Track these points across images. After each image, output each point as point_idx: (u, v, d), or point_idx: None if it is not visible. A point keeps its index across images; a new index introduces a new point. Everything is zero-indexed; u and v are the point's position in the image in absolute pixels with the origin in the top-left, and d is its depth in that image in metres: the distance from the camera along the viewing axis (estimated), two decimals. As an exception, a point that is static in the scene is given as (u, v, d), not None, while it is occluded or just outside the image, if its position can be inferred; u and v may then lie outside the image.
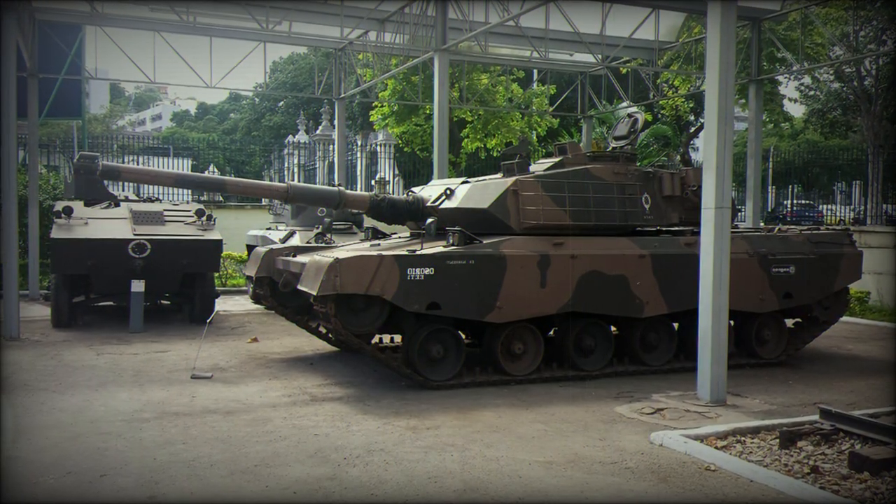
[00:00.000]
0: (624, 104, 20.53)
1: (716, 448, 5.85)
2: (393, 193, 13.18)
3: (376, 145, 27.25)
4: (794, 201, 27.29)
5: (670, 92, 21.97)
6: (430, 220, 8.54)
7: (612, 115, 24.13)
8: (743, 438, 6.13)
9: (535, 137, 26.92)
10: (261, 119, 51.82)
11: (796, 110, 42.60)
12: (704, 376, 7.41)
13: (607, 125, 26.74)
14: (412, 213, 9.20)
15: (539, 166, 9.15)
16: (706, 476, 5.35)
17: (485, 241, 8.11)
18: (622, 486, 5.16)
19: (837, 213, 26.67)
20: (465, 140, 24.55)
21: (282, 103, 51.40)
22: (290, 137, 33.32)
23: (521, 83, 25.97)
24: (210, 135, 50.56)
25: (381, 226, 10.34)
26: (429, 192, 9.30)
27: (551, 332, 9.08)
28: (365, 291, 7.44)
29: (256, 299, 10.21)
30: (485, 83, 23.02)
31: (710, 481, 5.25)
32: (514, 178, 8.46)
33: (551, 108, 23.33)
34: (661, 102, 24.98)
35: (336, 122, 19.72)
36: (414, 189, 9.72)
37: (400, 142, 25.95)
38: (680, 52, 19.14)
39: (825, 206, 28.53)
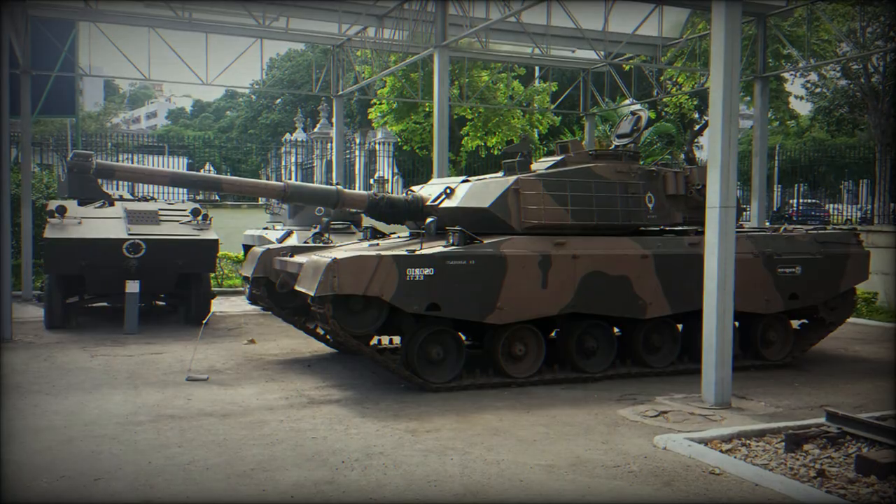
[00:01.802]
0: (627, 102, 20.47)
1: (720, 451, 5.81)
2: (392, 192, 13.06)
3: (375, 143, 27.19)
4: (800, 200, 27.16)
5: (674, 89, 21.88)
6: (429, 220, 8.45)
7: (615, 112, 24.06)
8: (748, 441, 6.08)
9: (536, 135, 26.83)
10: (258, 117, 51.77)
11: (802, 108, 42.59)
12: (709, 378, 7.35)
13: (610, 123, 26.71)
14: (411, 213, 9.11)
15: (541, 165, 9.08)
16: (711, 480, 5.30)
17: (485, 241, 8.03)
18: (625, 489, 5.11)
19: (844, 213, 26.56)
20: (466, 138, 24.47)
21: (279, 101, 51.37)
22: (287, 135, 33.29)
23: (523, 80, 25.89)
24: (206, 133, 50.56)
25: (380, 225, 10.27)
26: (428, 191, 9.21)
27: (553, 334, 8.99)
28: (363, 292, 7.36)
29: (253, 300, 10.13)
30: (485, 80, 22.93)
31: (715, 485, 5.19)
32: (515, 177, 8.38)
33: (553, 106, 23.26)
34: (664, 100, 24.91)
35: (334, 119, 19.64)
36: (413, 188, 9.64)
37: (399, 140, 25.86)
38: (684, 48, 19.05)
39: (832, 206, 28.37)
